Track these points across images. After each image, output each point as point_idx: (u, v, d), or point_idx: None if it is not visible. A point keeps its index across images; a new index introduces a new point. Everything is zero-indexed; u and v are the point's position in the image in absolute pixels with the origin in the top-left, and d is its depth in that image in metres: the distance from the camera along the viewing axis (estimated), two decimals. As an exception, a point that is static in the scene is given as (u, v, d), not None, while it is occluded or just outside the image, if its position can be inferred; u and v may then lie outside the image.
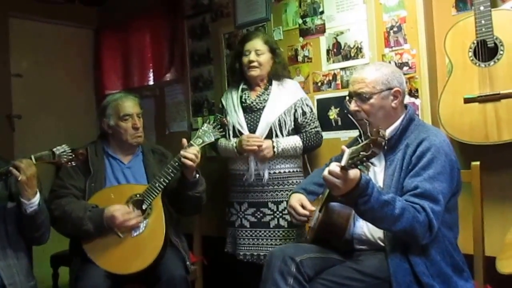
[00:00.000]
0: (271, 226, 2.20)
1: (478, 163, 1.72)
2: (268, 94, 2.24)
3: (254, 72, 2.23)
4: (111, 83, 3.41)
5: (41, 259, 2.48)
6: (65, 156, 1.77)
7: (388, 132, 1.59)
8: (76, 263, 1.94)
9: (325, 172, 1.37)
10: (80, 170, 2.05)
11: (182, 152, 1.94)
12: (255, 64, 2.21)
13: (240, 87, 2.31)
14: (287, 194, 2.15)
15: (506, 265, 1.46)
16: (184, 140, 1.99)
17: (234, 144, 2.21)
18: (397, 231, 1.43)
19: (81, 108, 3.46)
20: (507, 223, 1.66)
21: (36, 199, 1.73)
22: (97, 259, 1.89)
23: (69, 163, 1.80)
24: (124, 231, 1.92)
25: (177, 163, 1.96)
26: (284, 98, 2.22)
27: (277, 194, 2.19)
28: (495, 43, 1.79)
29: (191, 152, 1.94)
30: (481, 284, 1.67)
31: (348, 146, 1.41)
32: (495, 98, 1.79)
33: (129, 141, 2.11)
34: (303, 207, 1.79)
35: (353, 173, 1.33)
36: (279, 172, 2.20)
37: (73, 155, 1.80)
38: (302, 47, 2.49)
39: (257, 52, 2.22)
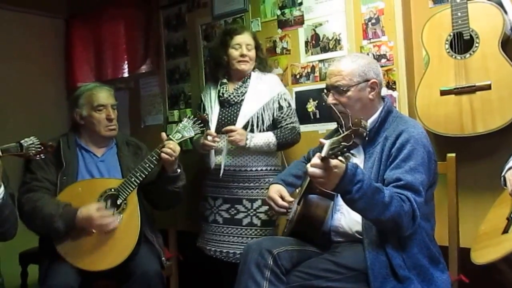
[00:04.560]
0: (244, 224, 2.17)
1: (454, 155, 1.73)
2: (246, 87, 2.20)
3: (245, 66, 2.19)
4: (83, 75, 3.30)
5: (9, 257, 2.38)
6: (33, 149, 1.69)
7: (366, 124, 1.59)
8: (45, 259, 1.87)
9: (308, 166, 1.34)
10: (52, 163, 1.98)
11: (157, 149, 1.91)
12: (247, 58, 2.18)
13: (220, 81, 2.26)
14: (262, 192, 2.14)
15: (480, 256, 1.48)
16: (164, 134, 1.97)
17: (201, 141, 2.18)
18: (386, 220, 1.40)
19: (51, 100, 3.35)
20: (480, 215, 1.67)
21: (0, 193, 1.65)
22: (67, 255, 1.82)
23: (38, 156, 1.71)
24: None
25: (154, 158, 1.93)
26: (262, 92, 2.18)
27: (252, 192, 2.16)
28: (471, 35, 1.80)
29: (169, 147, 1.90)
30: (455, 275, 1.69)
31: (326, 139, 1.39)
32: (471, 90, 1.80)
33: (102, 133, 2.05)
34: (282, 198, 1.77)
35: (335, 162, 1.30)
36: (256, 170, 2.17)
37: (42, 148, 1.72)
38: (281, 39, 2.47)
39: (248, 47, 2.19)
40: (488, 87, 1.77)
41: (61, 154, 1.99)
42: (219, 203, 2.22)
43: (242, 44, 2.17)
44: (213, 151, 2.17)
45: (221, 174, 2.15)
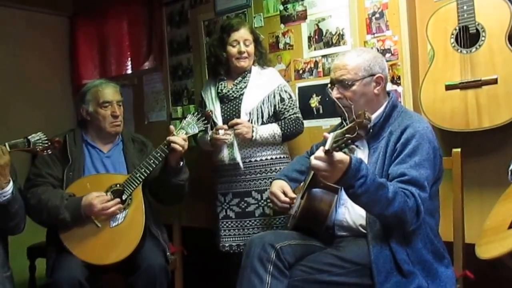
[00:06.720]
0: (257, 215, 2.17)
1: (459, 150, 1.72)
2: (245, 82, 2.20)
3: (244, 63, 2.18)
4: (87, 72, 3.31)
5: (18, 251, 2.40)
6: (40, 144, 1.73)
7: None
8: (52, 253, 1.89)
9: (312, 159, 1.33)
10: (58, 159, 2.00)
11: (170, 137, 1.92)
12: (245, 55, 2.17)
13: (218, 77, 2.26)
14: (270, 182, 2.12)
15: (485, 251, 1.46)
16: (172, 127, 1.98)
17: (209, 137, 2.18)
18: (389, 215, 1.40)
19: (57, 97, 3.36)
20: (486, 210, 1.65)
21: (9, 188, 1.68)
22: (74, 248, 1.85)
23: (45, 151, 1.75)
24: (102, 220, 1.88)
25: (159, 154, 1.94)
26: (262, 86, 2.18)
27: (260, 183, 2.16)
28: (477, 29, 1.78)
29: (182, 137, 1.92)
30: (460, 271, 1.68)
31: (330, 133, 1.38)
32: (476, 84, 1.78)
33: (107, 129, 2.07)
34: (284, 194, 1.77)
35: (339, 155, 1.29)
36: (261, 160, 2.17)
37: (49, 143, 1.75)
38: (283, 34, 2.46)
39: (246, 43, 2.17)
40: (494, 82, 1.75)
41: (67, 150, 2.01)
42: (229, 199, 2.22)
43: (240, 41, 2.16)
44: (225, 146, 2.15)
45: (242, 167, 2.14)
